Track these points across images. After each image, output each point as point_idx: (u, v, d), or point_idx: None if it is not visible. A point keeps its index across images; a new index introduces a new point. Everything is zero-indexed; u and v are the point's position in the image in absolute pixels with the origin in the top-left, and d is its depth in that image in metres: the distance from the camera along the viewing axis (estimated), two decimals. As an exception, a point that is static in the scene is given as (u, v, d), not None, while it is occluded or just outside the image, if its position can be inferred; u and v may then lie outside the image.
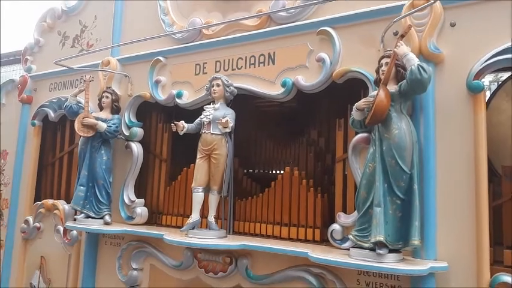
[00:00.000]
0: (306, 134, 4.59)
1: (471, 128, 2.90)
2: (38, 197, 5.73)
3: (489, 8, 2.94)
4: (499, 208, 2.96)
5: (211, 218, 3.84)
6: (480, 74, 2.89)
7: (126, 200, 4.62)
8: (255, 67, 3.99)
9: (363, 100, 3.05)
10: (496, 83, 4.36)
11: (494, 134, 3.48)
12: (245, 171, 4.77)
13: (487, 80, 5.27)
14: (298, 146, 4.53)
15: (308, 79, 3.64)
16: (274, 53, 3.89)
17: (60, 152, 5.73)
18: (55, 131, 5.82)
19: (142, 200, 4.66)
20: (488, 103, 3.64)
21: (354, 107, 3.13)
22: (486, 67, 2.87)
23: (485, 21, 2.94)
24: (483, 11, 2.96)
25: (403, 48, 2.89)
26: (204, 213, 3.99)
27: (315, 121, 4.68)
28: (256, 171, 5.05)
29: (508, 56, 2.80)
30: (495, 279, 2.74)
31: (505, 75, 3.80)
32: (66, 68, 5.02)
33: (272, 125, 5.11)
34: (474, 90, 2.89)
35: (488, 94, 3.70)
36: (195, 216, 3.82)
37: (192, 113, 4.26)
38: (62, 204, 5.29)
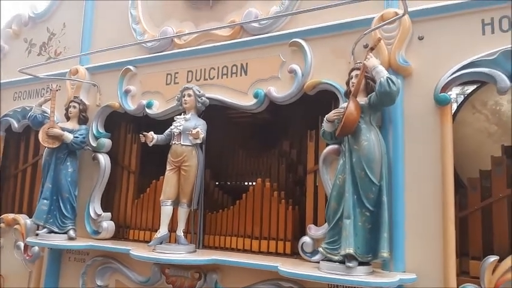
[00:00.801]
0: (278, 146, 4.57)
1: (438, 140, 2.94)
2: (-2, 211, 5.44)
3: (456, 23, 3.02)
4: (465, 219, 3.00)
5: (180, 232, 3.73)
6: (447, 86, 2.95)
7: (92, 214, 4.44)
8: (227, 77, 3.95)
9: (333, 112, 3.05)
10: (462, 96, 4.48)
11: (461, 146, 3.56)
12: (217, 183, 4.68)
13: (454, 92, 5.43)
14: (270, 157, 4.50)
15: (280, 90, 3.63)
16: (246, 63, 3.87)
17: (24, 164, 5.48)
18: (18, 142, 5.58)
19: (109, 214, 4.50)
20: (455, 115, 3.74)
21: (325, 118, 3.13)
22: (453, 80, 2.93)
23: (453, 35, 3.02)
24: (450, 25, 3.04)
25: (373, 61, 2.92)
26: (173, 227, 3.87)
27: (287, 132, 4.67)
28: (228, 183, 4.97)
29: (474, 69, 2.87)
30: (462, 290, 2.75)
31: (471, 88, 3.91)
32: (32, 77, 4.85)
33: (244, 137, 5.07)
34: (441, 102, 2.94)
35: (455, 106, 3.79)
36: (163, 230, 3.70)
37: (162, 123, 4.17)
38: (23, 218, 5.05)
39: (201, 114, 3.92)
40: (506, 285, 2.67)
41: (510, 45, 2.77)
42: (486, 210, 2.95)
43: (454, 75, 2.91)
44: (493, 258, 2.73)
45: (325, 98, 3.52)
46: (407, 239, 2.96)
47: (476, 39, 2.93)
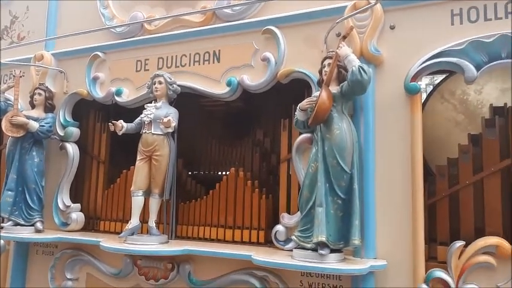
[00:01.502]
0: (251, 135, 4.54)
1: (408, 128, 2.99)
2: (-41, 204, 5.19)
3: (427, 12, 3.04)
4: (433, 206, 3.07)
5: (152, 222, 3.67)
6: (417, 76, 2.98)
7: (61, 205, 4.31)
8: (199, 65, 3.87)
9: (306, 100, 3.05)
10: (431, 86, 4.58)
11: (430, 135, 3.64)
12: (189, 172, 4.62)
13: (423, 83, 5.54)
14: (243, 146, 4.47)
15: (253, 78, 3.59)
16: (219, 51, 3.79)
17: (-13, 154, 5.23)
18: (-19, 131, 5.31)
19: (78, 205, 4.37)
20: (424, 104, 3.81)
21: (298, 107, 3.12)
22: (423, 69, 2.97)
23: (423, 24, 3.05)
24: (421, 14, 3.06)
25: (345, 50, 2.92)
26: (144, 218, 3.80)
27: (261, 121, 4.65)
28: (201, 172, 4.92)
29: (443, 59, 2.91)
30: (429, 275, 2.83)
31: (440, 78, 3.99)
32: (-3, 63, 4.61)
33: (218, 125, 5.02)
34: (411, 91, 2.98)
35: (424, 96, 3.86)
36: (134, 221, 3.63)
37: (132, 111, 4.06)
38: (-13, 211, 4.82)
39: (172, 102, 3.84)
40: (472, 268, 2.76)
41: (478, 36, 2.82)
42: (453, 197, 3.03)
43: (423, 65, 2.95)
44: (459, 244, 2.81)
45: (298, 87, 3.51)
46: (378, 227, 3.01)
47: (445, 29, 2.97)
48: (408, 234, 2.91)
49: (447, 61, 2.89)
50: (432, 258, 3.01)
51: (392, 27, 3.14)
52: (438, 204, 3.06)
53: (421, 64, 2.95)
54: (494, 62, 2.77)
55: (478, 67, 2.80)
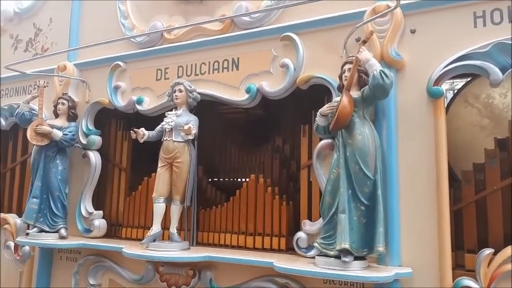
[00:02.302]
0: (271, 141, 4.54)
1: (432, 133, 2.93)
2: (-13, 211, 5.34)
3: (448, 15, 3.00)
4: (459, 212, 3.00)
5: (173, 229, 3.69)
6: (440, 79, 2.93)
7: (84, 212, 4.38)
8: (218, 72, 3.90)
9: (326, 106, 3.03)
10: (451, 91, 4.49)
11: (454, 140, 3.56)
12: (210, 179, 4.64)
13: (443, 88, 5.45)
14: (263, 153, 4.47)
15: (272, 85, 3.59)
16: (238, 58, 3.81)
17: (12, 163, 5.38)
18: (7, 140, 5.46)
19: (100, 212, 4.44)
20: (447, 109, 3.73)
21: (318, 113, 3.10)
22: (445, 73, 2.92)
23: (445, 27, 3.00)
24: (442, 18, 3.02)
25: (365, 54, 2.89)
26: (166, 225, 3.82)
27: (280, 128, 4.65)
28: (221, 179, 4.94)
29: (466, 62, 2.85)
30: (457, 283, 2.76)
31: (460, 83, 3.91)
32: (18, 73, 4.74)
33: (237, 132, 5.03)
34: (434, 95, 2.93)
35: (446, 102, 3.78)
36: (156, 228, 3.65)
37: (153, 120, 4.10)
38: (13, 218, 4.96)
39: (192, 110, 3.87)
40: (502, 277, 2.68)
41: (502, 38, 2.76)
42: (480, 203, 2.95)
43: (446, 68, 2.89)
44: (488, 251, 2.73)
45: (318, 93, 3.50)
46: (403, 233, 2.96)
47: (468, 32, 2.91)
48: (434, 242, 2.85)
49: (471, 64, 2.83)
50: (459, 266, 2.93)
51: (413, 31, 3.10)
52: (464, 211, 2.99)
53: (444, 67, 2.90)
54: (521, 64, 2.70)
55: (503, 70, 2.74)
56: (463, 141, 3.56)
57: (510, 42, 2.73)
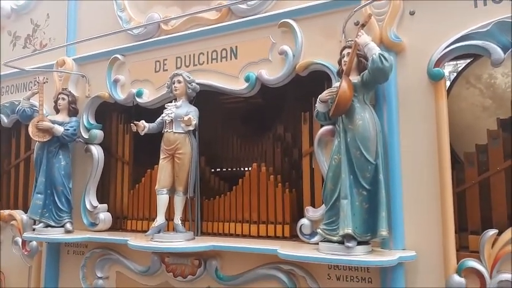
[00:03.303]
0: (272, 130, 4.52)
1: (433, 116, 2.91)
2: (-6, 208, 5.39)
3: (448, -4, 2.95)
4: (462, 194, 2.98)
5: (177, 220, 3.70)
6: (440, 61, 2.90)
7: (88, 206, 4.40)
8: (217, 62, 3.87)
9: (326, 92, 3.01)
10: (455, 73, 4.44)
11: (456, 121, 3.54)
12: (212, 170, 4.65)
13: (446, 70, 5.38)
14: (265, 142, 4.45)
15: (272, 73, 3.56)
16: (236, 47, 3.78)
17: (16, 159, 5.41)
18: (9, 137, 5.48)
19: (105, 205, 4.46)
20: (449, 91, 3.70)
21: (318, 99, 3.08)
22: (446, 54, 2.88)
23: (444, 8, 2.95)
24: (440, -1, 2.97)
25: (364, 38, 2.86)
26: (170, 216, 3.84)
27: (281, 116, 4.62)
28: (224, 169, 4.94)
29: (467, 42, 2.81)
30: (462, 265, 2.75)
31: (463, 65, 3.86)
32: (18, 70, 4.75)
33: (238, 122, 5.01)
34: (435, 77, 2.90)
35: (448, 83, 3.75)
36: (160, 219, 3.67)
37: (153, 112, 4.10)
38: (19, 214, 5.00)
39: (192, 101, 3.86)
40: (506, 257, 2.68)
41: (503, 16, 2.71)
42: (484, 184, 2.93)
43: (447, 50, 2.86)
44: (492, 232, 2.72)
45: (318, 79, 3.47)
46: (406, 217, 2.95)
47: (468, 12, 2.86)
48: (438, 224, 2.84)
49: (472, 44, 2.79)
50: (463, 248, 2.92)
51: (412, 13, 3.05)
52: (468, 192, 2.97)
53: (444, 49, 2.87)
54: (522, 43, 2.65)
55: (504, 49, 2.70)
56: (466, 123, 3.54)
57: (511, 20, 2.69)
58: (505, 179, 2.86)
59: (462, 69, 3.73)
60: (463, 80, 3.65)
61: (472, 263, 2.74)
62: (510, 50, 2.69)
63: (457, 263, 2.77)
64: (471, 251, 2.86)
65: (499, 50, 2.70)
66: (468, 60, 3.73)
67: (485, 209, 2.90)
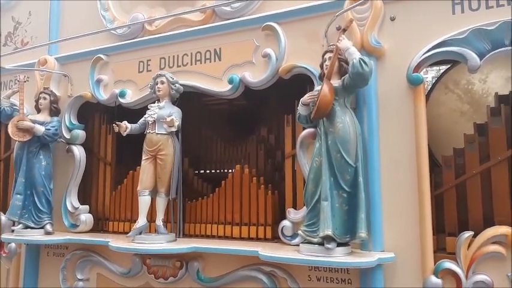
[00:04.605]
0: (256, 132, 4.54)
1: (412, 120, 2.96)
2: (-29, 209, 5.27)
3: (427, 3, 3.01)
4: (440, 197, 3.04)
5: (159, 221, 3.69)
6: (419, 66, 2.96)
7: (69, 207, 4.35)
8: (201, 63, 3.88)
9: (307, 95, 3.04)
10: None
11: (435, 126, 3.62)
12: (196, 171, 4.64)
13: (429, 75, 5.50)
14: (249, 143, 4.47)
15: (255, 75, 3.59)
16: (220, 49, 3.79)
17: (-4, 159, 5.30)
18: (-12, 137, 5.37)
19: (86, 207, 4.41)
20: (428, 96, 3.78)
21: (300, 102, 3.11)
22: (424, 60, 2.94)
23: (424, 15, 3.02)
24: (422, 5, 3.03)
25: (345, 43, 2.90)
26: (152, 217, 3.82)
27: (265, 118, 4.64)
28: (207, 171, 4.93)
29: (445, 48, 2.88)
30: (438, 266, 2.81)
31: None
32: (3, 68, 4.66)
33: (222, 124, 5.01)
34: (414, 82, 2.96)
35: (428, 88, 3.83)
36: (141, 220, 3.65)
37: (137, 112, 4.08)
38: (-3, 215, 4.90)
39: (175, 102, 3.85)
40: (481, 259, 2.74)
41: (480, 24, 2.79)
42: (460, 187, 3.00)
43: (425, 55, 2.92)
44: (467, 234, 2.78)
45: (302, 82, 3.50)
46: (385, 219, 3.00)
47: (446, 18, 2.93)
48: (416, 226, 2.89)
49: (449, 50, 2.86)
50: (441, 250, 2.99)
51: (392, 19, 3.11)
52: (445, 195, 3.03)
53: (423, 54, 2.93)
54: (497, 50, 2.73)
55: (481, 55, 2.77)
56: (444, 127, 3.61)
57: (487, 28, 2.76)
58: (480, 182, 2.93)
59: (441, 75, 3.81)
60: (442, 86, 3.73)
61: (449, 264, 2.80)
62: (486, 56, 2.76)
63: (434, 264, 2.83)
64: (448, 252, 2.92)
65: (475, 56, 2.77)
66: (447, 66, 3.81)
67: (462, 212, 2.97)
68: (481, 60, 2.76)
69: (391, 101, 3.05)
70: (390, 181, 3.01)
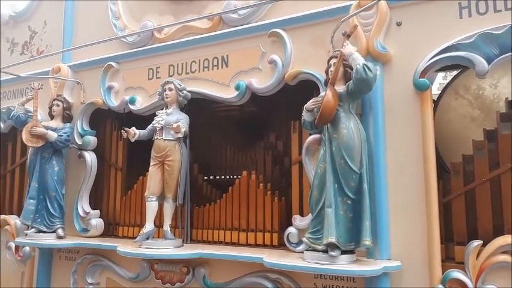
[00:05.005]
0: (264, 138, 4.54)
1: (419, 126, 2.92)
2: (-12, 213, 5.42)
3: (434, 7, 2.97)
4: (449, 205, 2.98)
5: (166, 227, 3.72)
6: (426, 71, 2.91)
7: (81, 212, 4.43)
8: (208, 70, 3.92)
9: (311, 101, 3.03)
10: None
11: (445, 132, 3.55)
12: (205, 177, 4.66)
13: (437, 82, 5.40)
14: (257, 150, 4.47)
15: (261, 81, 3.60)
16: (227, 55, 3.83)
17: (12, 165, 5.45)
18: (6, 143, 5.53)
19: (97, 212, 4.48)
20: (438, 101, 3.72)
21: (304, 108, 3.10)
22: (431, 65, 2.90)
23: (430, 19, 2.98)
24: (428, 9, 2.99)
25: (349, 48, 2.89)
26: (160, 223, 3.85)
27: (274, 124, 4.63)
28: (217, 177, 4.94)
29: (452, 53, 2.83)
30: (446, 276, 2.75)
31: (450, 76, 3.88)
32: (15, 76, 4.81)
33: (232, 130, 5.03)
34: (420, 88, 2.92)
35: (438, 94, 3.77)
36: (149, 226, 3.69)
37: (147, 119, 4.12)
38: (13, 219, 5.02)
39: (183, 108, 3.89)
40: (490, 269, 2.66)
41: (487, 28, 2.73)
42: (469, 194, 2.93)
43: (432, 60, 2.87)
44: (476, 243, 2.71)
45: (309, 88, 3.49)
46: (392, 227, 2.95)
47: (454, 23, 2.89)
48: (423, 234, 2.84)
49: (456, 55, 2.81)
50: (450, 259, 2.92)
51: (399, 24, 3.08)
52: (454, 203, 2.97)
53: (429, 59, 2.88)
54: (506, 54, 2.67)
55: (489, 60, 2.71)
56: (455, 133, 3.54)
57: (495, 32, 2.70)
58: (490, 190, 2.85)
59: (451, 80, 3.75)
60: (452, 91, 3.66)
61: (457, 274, 2.73)
62: (494, 61, 2.70)
63: (442, 274, 2.76)
64: (457, 262, 2.85)
65: (483, 61, 2.71)
66: (458, 71, 3.74)
67: (471, 220, 2.89)
68: (489, 64, 2.71)
69: (397, 106, 3.01)
70: (397, 188, 2.96)
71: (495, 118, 3.12)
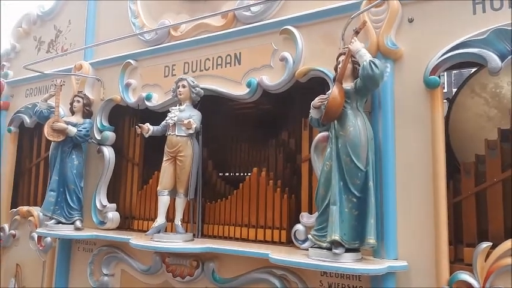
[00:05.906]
0: (277, 135, 4.55)
1: (429, 124, 2.86)
2: (15, 204, 5.68)
3: (447, 3, 2.91)
4: (459, 205, 2.91)
5: (177, 221, 3.79)
6: (437, 69, 2.85)
7: (98, 205, 4.57)
8: (221, 68, 3.97)
9: (318, 98, 3.02)
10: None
11: (461, 130, 3.46)
12: (220, 173, 4.71)
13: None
14: (270, 147, 4.48)
15: (272, 79, 3.62)
16: (240, 53, 3.87)
17: (37, 158, 5.69)
18: (32, 137, 5.79)
19: (114, 205, 4.61)
20: (453, 100, 3.63)
21: (311, 105, 3.09)
22: (442, 62, 2.83)
23: (443, 16, 2.91)
24: (441, 5, 2.93)
25: (356, 45, 2.86)
26: (172, 217, 3.93)
27: (287, 122, 4.64)
28: (231, 173, 4.99)
29: (464, 50, 2.76)
30: (453, 277, 2.68)
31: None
32: (40, 73, 5.01)
33: (247, 127, 5.06)
34: (431, 85, 2.86)
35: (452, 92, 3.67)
36: (160, 220, 3.77)
37: (162, 115, 4.21)
38: (36, 210, 5.23)
39: (196, 105, 3.95)
40: (499, 271, 2.58)
41: (501, 24, 2.65)
42: (480, 195, 2.85)
43: (443, 57, 2.81)
44: (485, 245, 2.63)
45: (321, 85, 3.48)
46: (399, 226, 2.90)
47: (467, 18, 2.81)
48: (431, 235, 2.78)
49: (468, 52, 2.73)
50: (459, 260, 2.85)
51: (410, 20, 3.03)
52: (464, 203, 2.90)
53: (440, 56, 2.82)
54: (520, 51, 2.58)
55: (502, 57, 2.62)
56: (470, 133, 3.44)
57: (509, 28, 2.62)
58: (502, 191, 2.77)
59: (467, 78, 3.64)
60: (468, 89, 3.56)
61: (464, 275, 2.66)
62: (508, 58, 2.62)
63: (450, 275, 2.70)
64: (466, 263, 2.78)
65: (496, 58, 2.63)
66: (474, 68, 3.64)
67: (481, 221, 2.81)
68: (502, 61, 2.62)
69: (407, 104, 2.96)
70: (405, 187, 2.91)
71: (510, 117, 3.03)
